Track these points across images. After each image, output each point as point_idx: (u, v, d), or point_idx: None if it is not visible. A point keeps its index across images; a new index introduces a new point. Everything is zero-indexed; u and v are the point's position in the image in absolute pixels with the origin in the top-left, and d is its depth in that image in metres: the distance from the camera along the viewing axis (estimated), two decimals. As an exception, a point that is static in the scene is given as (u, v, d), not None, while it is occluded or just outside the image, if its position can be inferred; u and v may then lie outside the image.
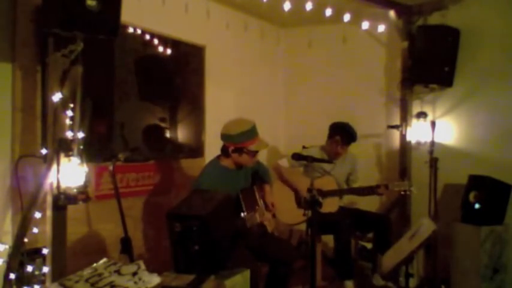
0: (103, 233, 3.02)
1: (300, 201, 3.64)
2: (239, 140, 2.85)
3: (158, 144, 3.67)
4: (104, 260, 2.15)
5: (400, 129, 4.19)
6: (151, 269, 2.10)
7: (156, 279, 2.04)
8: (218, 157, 3.02)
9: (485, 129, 3.84)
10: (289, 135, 5.01)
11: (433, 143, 3.83)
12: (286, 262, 2.93)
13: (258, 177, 3.19)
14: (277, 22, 4.76)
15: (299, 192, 3.63)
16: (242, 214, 2.80)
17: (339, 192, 3.70)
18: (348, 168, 3.89)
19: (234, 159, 2.93)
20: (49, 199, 2.38)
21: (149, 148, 3.53)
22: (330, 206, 3.50)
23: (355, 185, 3.88)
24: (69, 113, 2.44)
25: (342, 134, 3.69)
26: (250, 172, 3.14)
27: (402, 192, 3.61)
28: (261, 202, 3.11)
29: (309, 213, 2.67)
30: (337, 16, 3.52)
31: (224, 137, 2.92)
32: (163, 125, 3.68)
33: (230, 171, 2.98)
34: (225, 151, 2.95)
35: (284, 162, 3.73)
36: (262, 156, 4.59)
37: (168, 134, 3.74)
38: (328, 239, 3.79)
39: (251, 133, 2.89)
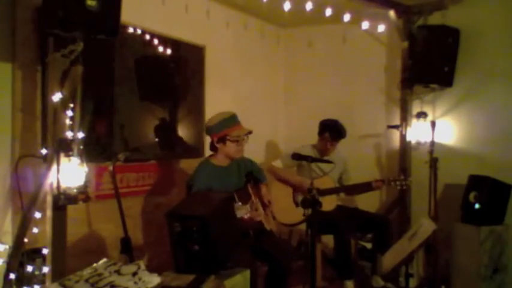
0: (103, 233, 3.02)
1: (297, 201, 3.65)
2: (219, 129, 2.92)
3: (168, 142, 3.68)
4: (104, 260, 2.15)
5: (400, 129, 4.19)
6: (151, 269, 2.10)
7: (156, 279, 2.04)
8: (209, 156, 3.08)
9: (485, 129, 3.85)
10: (289, 134, 5.01)
11: (433, 143, 3.82)
12: (284, 262, 2.93)
13: (253, 177, 3.19)
14: (277, 22, 4.76)
15: (298, 189, 3.64)
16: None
17: (335, 191, 3.71)
18: (340, 167, 3.91)
19: (222, 152, 2.97)
20: (49, 199, 2.38)
21: (153, 145, 3.54)
22: (327, 204, 3.51)
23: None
24: (69, 113, 2.44)
25: (331, 130, 3.75)
26: (243, 171, 3.15)
27: (399, 187, 3.63)
28: (256, 200, 3.11)
29: (309, 211, 2.68)
30: (337, 16, 3.52)
31: (206, 130, 3.01)
32: (167, 122, 3.68)
33: (222, 169, 3.01)
34: (212, 146, 3.02)
35: (278, 163, 3.75)
36: (261, 155, 4.61)
37: (172, 132, 3.75)
38: (328, 239, 3.79)
39: (230, 121, 2.94)
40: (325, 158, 3.66)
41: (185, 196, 2.91)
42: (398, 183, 3.60)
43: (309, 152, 3.71)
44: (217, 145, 2.96)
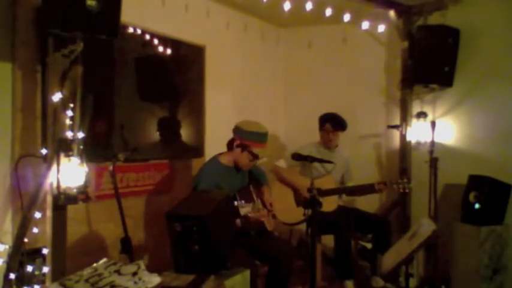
0: (103, 233, 3.02)
1: (298, 201, 3.65)
2: (247, 136, 2.92)
3: (168, 142, 3.68)
4: (104, 260, 2.15)
5: (400, 129, 4.19)
6: (151, 269, 2.10)
7: (156, 279, 2.05)
8: (219, 155, 3.07)
9: (485, 129, 3.84)
10: (289, 134, 5.01)
11: (433, 143, 3.83)
12: (285, 262, 2.93)
13: (254, 178, 3.20)
14: (277, 22, 4.76)
15: (298, 191, 3.64)
16: (235, 202, 2.82)
17: (337, 191, 3.71)
18: (343, 166, 3.92)
19: (235, 156, 2.96)
20: (49, 199, 2.38)
21: (153, 145, 3.54)
22: (328, 205, 3.51)
23: (351, 184, 3.90)
24: (69, 113, 2.44)
25: (330, 120, 3.79)
26: (247, 172, 3.17)
27: (401, 191, 3.62)
28: (258, 201, 3.12)
29: (309, 211, 2.68)
30: (337, 16, 3.52)
31: (235, 129, 2.99)
32: (167, 122, 3.68)
33: (229, 170, 3.01)
34: (230, 144, 3.00)
35: (281, 163, 3.76)
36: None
37: (172, 132, 3.75)
38: (328, 239, 3.79)
39: (261, 136, 2.94)
40: (329, 155, 3.69)
41: (185, 196, 2.91)
42: (401, 186, 3.60)
43: (313, 149, 3.73)
44: (236, 149, 2.96)
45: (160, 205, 3.41)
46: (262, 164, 3.33)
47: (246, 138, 2.92)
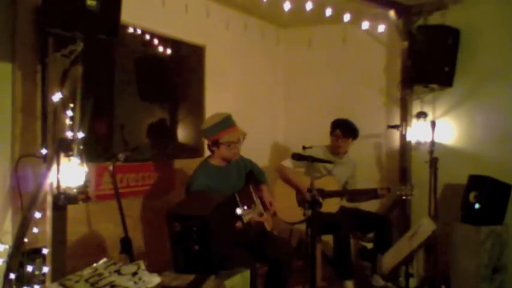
0: (103, 233, 3.02)
1: (300, 200, 3.66)
2: (211, 133, 2.94)
3: (168, 142, 3.68)
4: (104, 260, 2.15)
5: (400, 129, 4.19)
6: (151, 269, 2.10)
7: (156, 279, 2.05)
8: (209, 157, 3.10)
9: (485, 129, 3.84)
10: (289, 135, 5.00)
11: (433, 143, 3.82)
12: (284, 264, 2.93)
13: (253, 177, 3.20)
14: (277, 22, 4.76)
15: (301, 191, 3.64)
16: (238, 210, 2.81)
17: (339, 193, 3.70)
18: (349, 171, 3.92)
19: (217, 154, 3.00)
20: (49, 199, 2.38)
21: (153, 145, 3.54)
22: (330, 206, 3.51)
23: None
24: (69, 113, 2.44)
25: (341, 127, 3.77)
26: (243, 171, 3.17)
27: (403, 197, 3.62)
28: (258, 201, 3.12)
29: (309, 212, 2.68)
30: (337, 16, 3.53)
31: (201, 133, 3.06)
32: (167, 121, 3.68)
33: (221, 169, 3.02)
34: (208, 147, 3.05)
35: (287, 163, 3.75)
36: (265, 156, 4.60)
37: (172, 132, 3.75)
38: (328, 239, 3.79)
39: (222, 124, 2.94)
40: (333, 158, 3.67)
41: (185, 196, 2.92)
42: (404, 192, 3.59)
43: (319, 152, 3.72)
44: (212, 148, 3.00)
45: (160, 205, 3.41)
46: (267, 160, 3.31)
47: (211, 134, 2.95)
